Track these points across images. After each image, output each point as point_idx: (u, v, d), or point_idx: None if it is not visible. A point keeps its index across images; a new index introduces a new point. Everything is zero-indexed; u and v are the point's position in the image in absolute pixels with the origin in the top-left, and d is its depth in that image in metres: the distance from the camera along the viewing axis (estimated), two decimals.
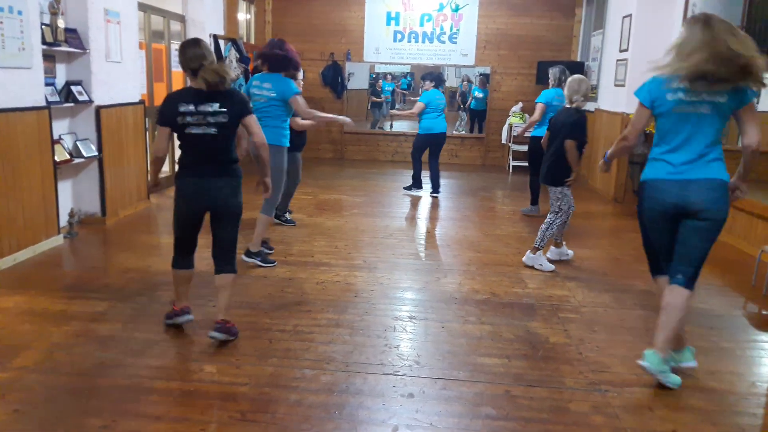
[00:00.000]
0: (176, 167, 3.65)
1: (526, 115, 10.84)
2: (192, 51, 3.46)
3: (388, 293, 4.60)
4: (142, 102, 7.02)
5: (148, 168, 7.11)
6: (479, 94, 11.80)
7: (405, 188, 8.65)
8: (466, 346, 3.72)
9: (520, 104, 11.30)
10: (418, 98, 8.39)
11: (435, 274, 5.06)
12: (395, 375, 3.33)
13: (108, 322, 3.88)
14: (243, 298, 4.36)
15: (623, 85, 8.38)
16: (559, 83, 6.90)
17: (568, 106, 5.19)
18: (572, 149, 5.07)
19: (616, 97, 8.73)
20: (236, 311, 4.10)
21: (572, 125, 5.08)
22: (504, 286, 4.83)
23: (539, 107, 7.06)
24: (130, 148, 6.72)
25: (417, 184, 8.56)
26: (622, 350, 3.76)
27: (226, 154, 3.56)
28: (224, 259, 3.66)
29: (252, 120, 3.60)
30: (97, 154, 6.10)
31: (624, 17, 8.52)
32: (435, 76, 8.41)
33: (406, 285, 4.80)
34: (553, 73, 7.06)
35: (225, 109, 3.45)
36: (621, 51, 8.61)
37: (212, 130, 3.45)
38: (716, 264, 5.49)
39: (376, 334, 3.86)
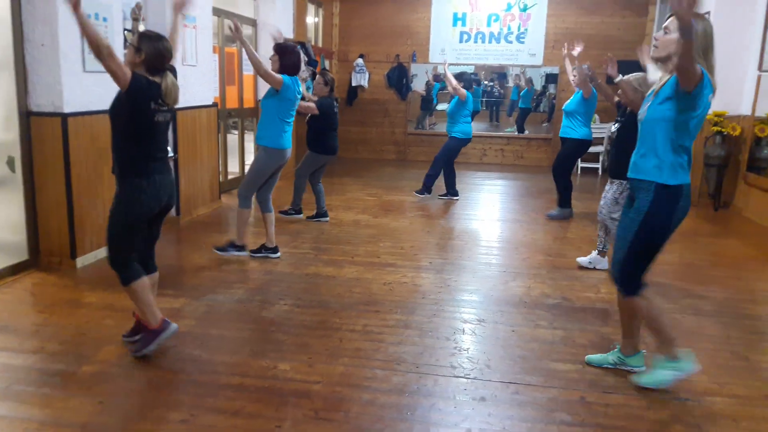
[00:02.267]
0: (128, 161, 3.29)
1: (596, 116, 10.59)
2: (167, 49, 3.29)
3: (456, 295, 4.58)
4: (215, 105, 7.21)
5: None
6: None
7: (440, 196, 8.14)
8: (538, 351, 3.66)
9: None
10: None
11: (503, 277, 5.01)
12: (466, 378, 3.31)
13: (184, 319, 4.00)
14: (313, 297, 4.42)
15: None
16: None
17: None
18: None
19: None
20: (308, 310, 4.17)
21: None
22: (575, 290, 4.73)
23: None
24: (204, 150, 6.92)
25: (429, 189, 8.13)
26: (702, 358, 3.61)
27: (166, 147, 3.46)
28: (153, 256, 3.61)
29: None
30: (173, 155, 6.30)
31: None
32: (465, 77, 8.02)
33: (473, 287, 4.76)
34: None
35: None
36: None
37: (168, 117, 3.38)
38: None
39: (445, 336, 3.84)
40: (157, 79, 3.26)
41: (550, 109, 11.92)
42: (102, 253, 5.19)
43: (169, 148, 3.53)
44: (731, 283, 5.00)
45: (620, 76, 4.96)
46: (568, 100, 7.13)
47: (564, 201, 7.19)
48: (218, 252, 5.33)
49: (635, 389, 3.22)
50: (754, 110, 7.46)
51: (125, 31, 5.51)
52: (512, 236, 6.41)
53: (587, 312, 4.31)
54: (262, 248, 5.34)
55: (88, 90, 4.96)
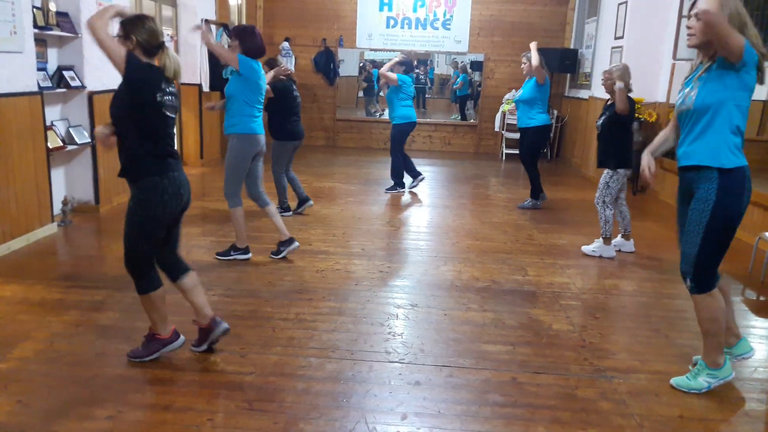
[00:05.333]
0: (145, 160, 3.03)
1: None
2: (155, 26, 3.04)
3: (389, 281, 4.58)
4: None
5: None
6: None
7: (387, 189, 7.84)
8: (470, 334, 3.71)
9: (513, 91, 11.28)
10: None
11: (434, 262, 5.05)
12: (401, 363, 3.31)
13: (107, 311, 3.84)
14: (243, 286, 4.33)
15: None
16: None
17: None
18: None
19: None
20: (237, 299, 4.08)
21: None
22: (504, 273, 4.83)
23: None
24: None
25: (400, 182, 7.81)
26: (625, 337, 3.78)
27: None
28: (180, 257, 3.34)
29: None
30: (90, 140, 6.01)
31: (620, 4, 8.50)
32: (406, 62, 7.74)
33: (406, 273, 4.78)
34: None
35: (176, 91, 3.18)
36: (616, 38, 8.60)
37: (175, 115, 3.16)
38: None
39: (379, 322, 3.84)
40: (154, 61, 3.01)
41: (476, 96, 12.10)
42: (15, 245, 4.91)
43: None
44: (650, 264, 5.23)
45: (619, 83, 5.08)
46: (520, 91, 7.17)
47: (535, 190, 7.16)
48: (220, 257, 4.89)
49: (564, 369, 3.31)
50: (668, 97, 7.80)
51: (34, 8, 5.20)
52: (441, 221, 6.48)
53: (516, 294, 4.40)
54: (280, 246, 5.00)
55: (4, 72, 4.66)
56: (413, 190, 7.91)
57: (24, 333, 3.48)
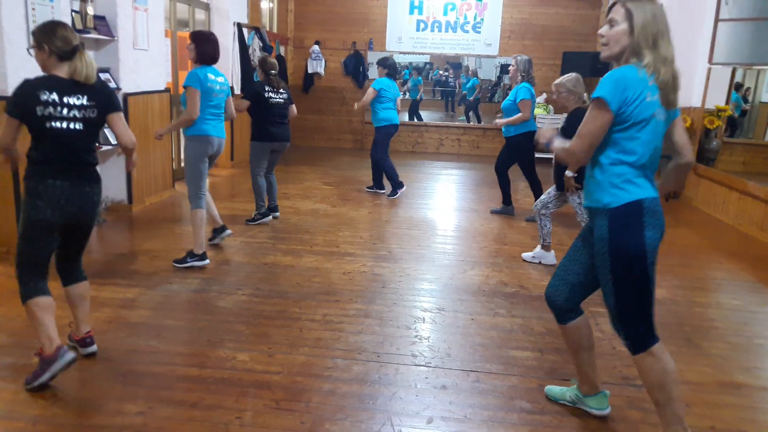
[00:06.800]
0: (28, 163, 3.00)
1: (551, 107, 10.74)
2: (67, 32, 2.99)
3: (415, 284, 4.58)
4: (167, 90, 7.02)
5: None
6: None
7: (389, 195, 7.62)
8: (498, 339, 3.69)
9: (544, 95, 11.19)
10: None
11: (461, 266, 5.03)
12: (427, 366, 3.31)
13: (138, 309, 3.90)
14: (272, 287, 4.36)
15: None
16: (529, 77, 6.57)
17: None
18: None
19: None
20: (266, 300, 4.12)
21: None
22: (532, 279, 4.79)
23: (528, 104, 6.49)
24: None
25: (398, 183, 7.63)
26: None
27: (91, 154, 3.11)
28: (78, 267, 3.32)
29: (119, 117, 3.17)
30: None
31: None
32: (389, 63, 7.56)
33: (433, 276, 4.77)
34: (523, 63, 6.57)
35: (94, 103, 3.04)
36: None
37: (78, 126, 3.00)
38: (748, 261, 5.42)
39: (406, 325, 3.84)
40: (66, 67, 2.98)
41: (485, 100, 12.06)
42: None
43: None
44: (683, 272, 5.14)
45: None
46: (542, 95, 7.02)
47: (507, 197, 7.04)
48: (177, 265, 4.74)
49: None
50: (704, 102, 7.67)
51: (73, 12, 5.31)
52: (469, 225, 6.45)
53: (544, 300, 4.34)
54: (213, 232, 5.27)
55: (34, 73, 4.75)
56: (369, 190, 7.91)
57: (59, 329, 3.53)
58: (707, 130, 7.60)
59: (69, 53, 2.98)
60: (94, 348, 3.29)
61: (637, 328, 2.52)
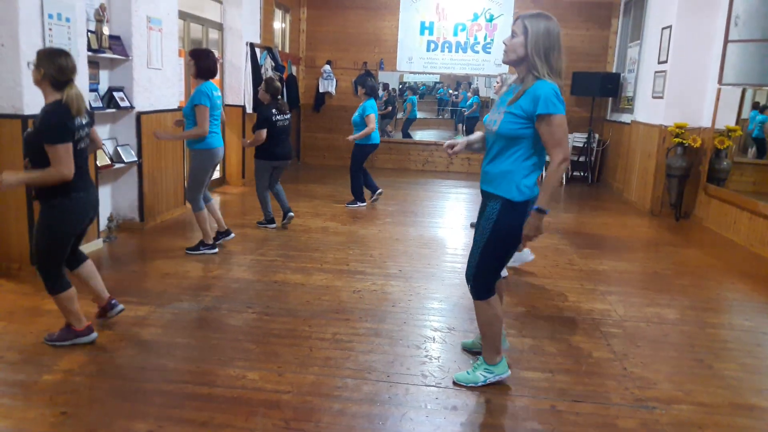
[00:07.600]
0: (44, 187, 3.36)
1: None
2: (66, 63, 3.26)
3: (426, 303, 4.57)
4: (180, 109, 7.09)
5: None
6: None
7: (348, 204, 8.04)
8: (508, 360, 3.65)
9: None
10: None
11: None
12: (437, 387, 3.30)
13: (149, 327, 3.91)
14: (281, 305, 4.37)
15: (661, 97, 8.26)
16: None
17: None
18: None
19: (654, 109, 8.60)
20: (275, 318, 4.12)
21: None
22: (543, 298, 4.77)
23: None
24: (169, 155, 6.80)
25: (361, 197, 8.04)
26: (668, 366, 3.69)
27: (87, 164, 3.59)
28: (80, 251, 3.77)
29: (94, 129, 3.63)
30: (136, 159, 6.18)
31: (663, 28, 8.41)
32: (369, 85, 7.89)
33: (443, 296, 4.76)
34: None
35: (89, 121, 3.50)
36: (660, 63, 8.50)
37: (86, 144, 3.48)
38: (760, 281, 5.37)
39: (416, 344, 3.83)
40: (57, 95, 3.25)
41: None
42: None
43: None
44: (693, 292, 5.11)
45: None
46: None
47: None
48: (189, 252, 5.53)
49: (604, 398, 3.25)
50: (713, 123, 7.65)
51: (89, 33, 5.40)
52: None
53: (555, 320, 4.34)
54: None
55: None
56: (374, 203, 8.31)
57: (70, 346, 3.56)
58: (717, 150, 7.58)
59: (62, 84, 3.25)
60: (121, 306, 3.91)
61: (484, 283, 3.20)
